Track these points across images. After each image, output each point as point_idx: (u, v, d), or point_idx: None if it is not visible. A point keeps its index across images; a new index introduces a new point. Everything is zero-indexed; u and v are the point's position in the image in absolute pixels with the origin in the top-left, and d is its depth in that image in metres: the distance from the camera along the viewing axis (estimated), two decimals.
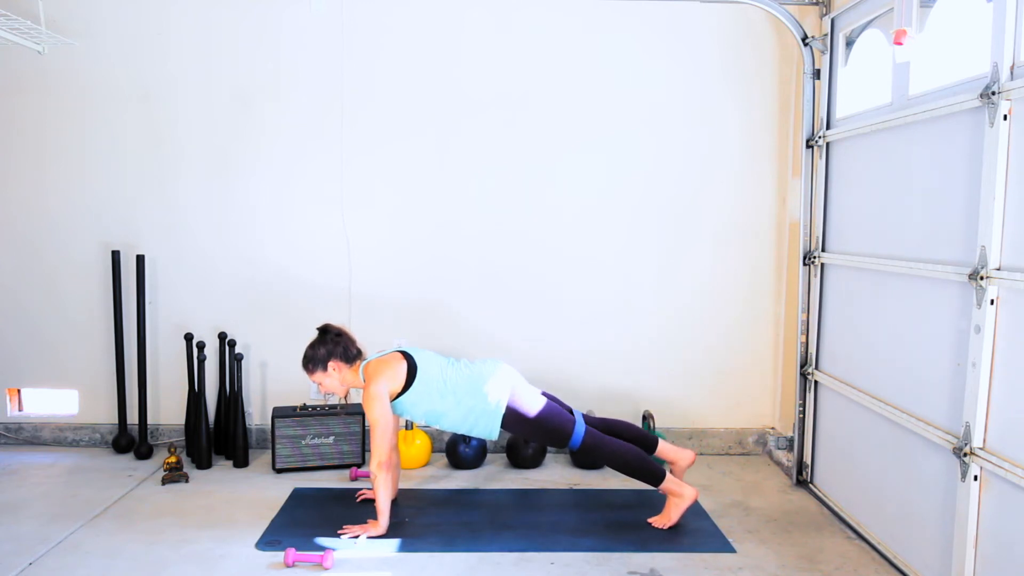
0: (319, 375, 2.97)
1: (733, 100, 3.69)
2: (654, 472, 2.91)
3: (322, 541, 2.77)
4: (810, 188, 3.38)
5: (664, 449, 3.09)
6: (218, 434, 3.68)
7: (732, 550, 2.76)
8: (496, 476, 3.51)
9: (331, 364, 2.95)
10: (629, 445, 2.97)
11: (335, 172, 3.72)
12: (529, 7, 3.64)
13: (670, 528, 2.90)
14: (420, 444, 3.59)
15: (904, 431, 2.61)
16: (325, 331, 3.00)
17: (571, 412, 3.03)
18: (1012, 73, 2.12)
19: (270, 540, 2.79)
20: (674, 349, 3.81)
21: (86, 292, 3.77)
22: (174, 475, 3.34)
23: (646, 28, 3.65)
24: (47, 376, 3.83)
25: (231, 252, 3.76)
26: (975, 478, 2.21)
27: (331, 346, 2.96)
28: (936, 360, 2.44)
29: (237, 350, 3.70)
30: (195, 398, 3.58)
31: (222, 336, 3.70)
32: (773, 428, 3.84)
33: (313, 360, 2.96)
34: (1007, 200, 2.11)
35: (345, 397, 3.10)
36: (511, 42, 3.66)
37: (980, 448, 2.20)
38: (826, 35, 3.30)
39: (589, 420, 3.07)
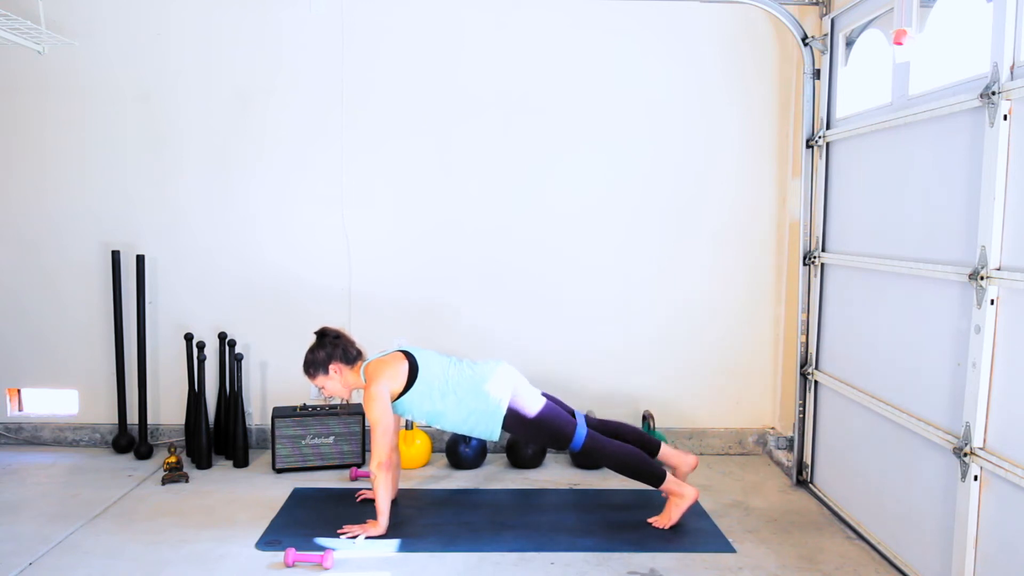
0: (321, 379, 2.96)
1: (733, 100, 3.69)
2: (655, 473, 2.91)
3: (322, 541, 2.77)
4: (810, 188, 3.38)
5: (666, 453, 3.08)
6: (218, 434, 3.68)
7: (732, 550, 2.76)
8: (496, 476, 3.51)
9: (332, 367, 2.94)
10: (629, 447, 2.97)
11: (335, 172, 3.72)
12: (529, 7, 3.64)
13: (670, 528, 2.90)
14: (420, 444, 3.59)
15: (904, 431, 2.61)
16: (323, 334, 2.99)
17: (572, 414, 3.03)
18: (1012, 73, 2.12)
19: (270, 540, 2.79)
20: (674, 349, 3.81)
21: (86, 292, 3.77)
22: (174, 475, 3.34)
23: (646, 28, 3.65)
24: (47, 376, 3.83)
25: (231, 252, 3.75)
26: (975, 478, 2.21)
27: (331, 349, 2.95)
28: (936, 360, 2.44)
29: (237, 350, 3.70)
30: (195, 398, 3.58)
31: (222, 336, 3.70)
32: (773, 428, 3.84)
33: (314, 364, 2.95)
34: (1007, 200, 2.11)
35: (348, 398, 3.10)
36: (511, 42, 3.66)
37: (980, 448, 2.20)
38: (826, 35, 3.30)
39: (590, 422, 3.07)
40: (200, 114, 3.69)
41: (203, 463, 3.53)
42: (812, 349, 3.37)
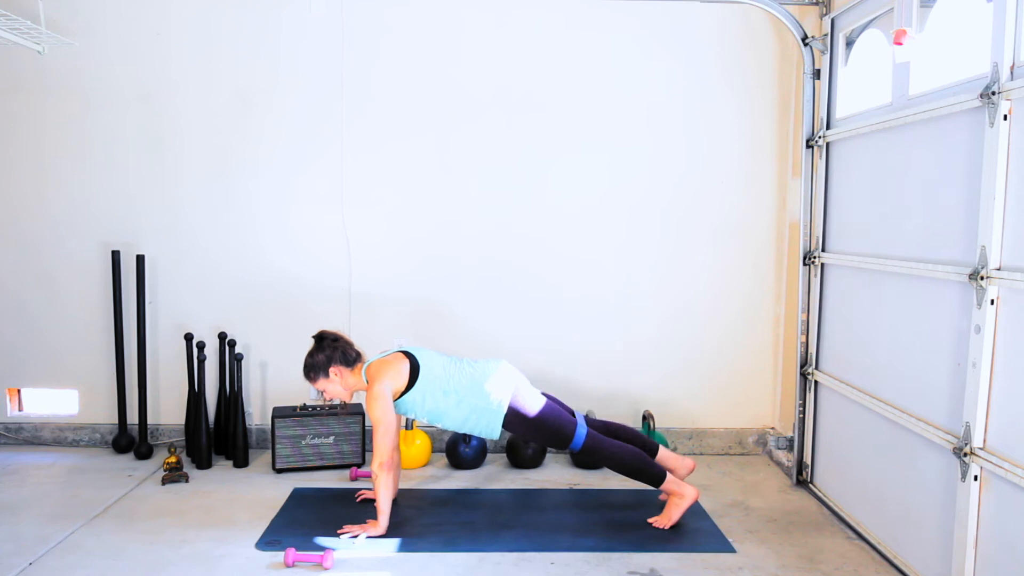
0: (322, 382, 2.96)
1: (733, 100, 3.69)
2: (655, 473, 2.91)
3: (322, 541, 2.77)
4: (810, 188, 3.38)
5: (664, 456, 3.08)
6: (218, 434, 3.68)
7: (732, 550, 2.76)
8: (496, 476, 3.51)
9: (332, 370, 2.94)
10: (630, 447, 2.97)
11: (335, 172, 3.72)
12: (529, 7, 3.64)
13: (670, 528, 2.90)
14: (420, 444, 3.59)
15: (904, 431, 2.61)
16: (321, 337, 2.99)
17: (572, 414, 3.03)
18: (1012, 73, 2.12)
19: (270, 540, 2.79)
20: (674, 349, 3.81)
21: (86, 292, 3.77)
22: (174, 475, 3.34)
23: (646, 28, 3.65)
24: (47, 376, 3.83)
25: (231, 252, 3.75)
26: (975, 478, 2.21)
27: (330, 352, 2.95)
28: (936, 360, 2.44)
29: (237, 350, 3.70)
30: (195, 398, 3.58)
31: (222, 336, 3.70)
32: (773, 428, 3.84)
33: (314, 368, 2.95)
34: (1007, 200, 2.11)
35: (349, 400, 3.10)
36: (511, 42, 3.66)
37: (980, 448, 2.20)
38: (826, 35, 3.30)
39: (590, 422, 3.07)
40: (200, 114, 3.69)
41: (203, 463, 3.53)
42: (812, 349, 3.37)
